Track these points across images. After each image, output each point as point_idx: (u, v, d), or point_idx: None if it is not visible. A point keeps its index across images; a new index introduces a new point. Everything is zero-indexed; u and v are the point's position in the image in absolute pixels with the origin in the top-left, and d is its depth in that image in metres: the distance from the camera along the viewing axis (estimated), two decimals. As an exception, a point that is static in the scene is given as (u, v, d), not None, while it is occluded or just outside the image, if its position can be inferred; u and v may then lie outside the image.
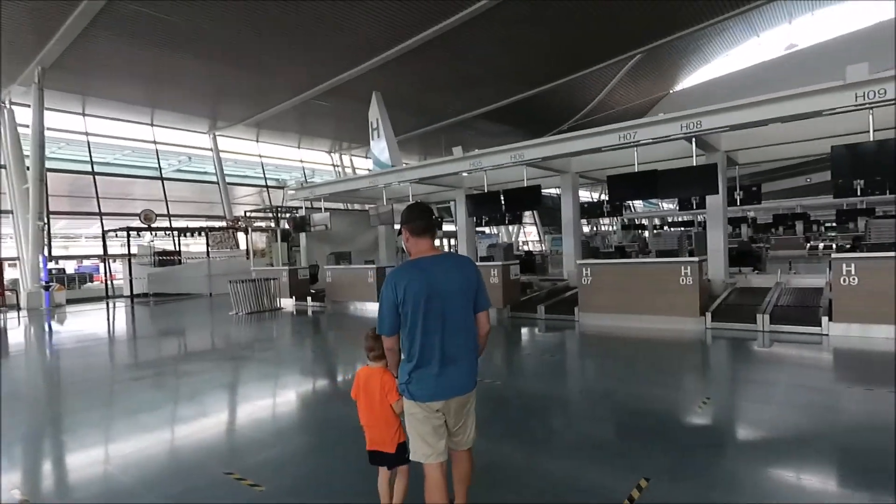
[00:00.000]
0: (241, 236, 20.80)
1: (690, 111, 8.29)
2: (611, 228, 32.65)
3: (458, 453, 2.29)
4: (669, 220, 33.07)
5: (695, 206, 12.87)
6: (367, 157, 27.96)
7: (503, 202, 10.69)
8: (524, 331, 8.29)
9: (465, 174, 12.33)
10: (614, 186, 9.25)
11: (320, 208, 14.89)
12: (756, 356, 6.06)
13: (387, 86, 15.71)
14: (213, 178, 22.01)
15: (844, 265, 6.30)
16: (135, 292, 16.63)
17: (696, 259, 7.56)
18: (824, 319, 6.46)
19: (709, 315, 7.24)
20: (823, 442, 3.41)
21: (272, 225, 20.29)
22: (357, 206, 21.46)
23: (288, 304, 13.21)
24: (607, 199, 12.36)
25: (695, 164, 8.75)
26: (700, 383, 5.14)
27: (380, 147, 15.52)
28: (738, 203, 11.48)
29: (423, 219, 2.23)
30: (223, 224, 20.85)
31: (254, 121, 20.29)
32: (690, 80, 26.60)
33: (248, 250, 19.22)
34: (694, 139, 8.78)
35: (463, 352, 2.17)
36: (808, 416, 3.94)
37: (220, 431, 4.20)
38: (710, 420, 3.99)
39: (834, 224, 30.08)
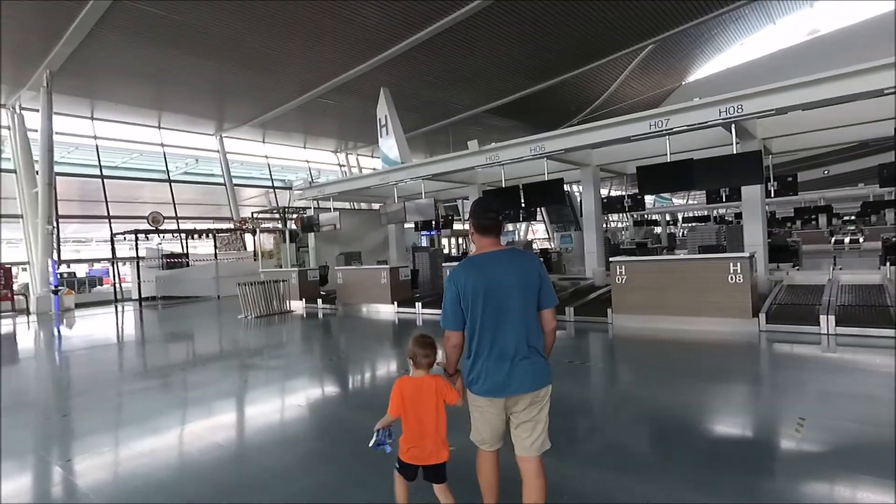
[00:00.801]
0: (248, 238, 20.25)
1: (730, 94, 7.59)
2: (621, 225, 31.86)
3: (526, 464, 2.17)
4: (681, 216, 32.25)
5: (723, 199, 12.09)
6: (373, 157, 27.41)
7: (522, 197, 10.02)
8: (557, 335, 7.57)
9: (478, 169, 11.71)
10: (645, 178, 8.57)
11: (328, 208, 14.28)
12: (833, 364, 5.31)
13: (393, 82, 15.08)
14: (220, 180, 21.50)
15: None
16: (143, 295, 16.13)
17: (746, 255, 6.83)
18: (898, 319, 5.71)
19: (762, 316, 6.49)
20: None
21: (279, 226, 19.71)
22: (364, 206, 20.89)
23: (298, 306, 12.60)
24: (636, 192, 11.62)
25: (735, 152, 8.08)
26: (783, 398, 4.26)
27: (389, 144, 14.91)
28: (773, 195, 10.72)
29: (487, 218, 2.21)
30: (230, 226, 20.31)
31: (259, 121, 19.73)
32: (704, 70, 25.70)
33: (255, 252, 18.66)
34: (734, 125, 8.11)
35: (524, 349, 2.12)
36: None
37: (230, 458, 3.56)
38: (821, 448, 3.25)
39: (853, 217, 29.09)
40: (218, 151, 21.37)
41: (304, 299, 12.75)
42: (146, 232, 16.84)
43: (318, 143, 24.73)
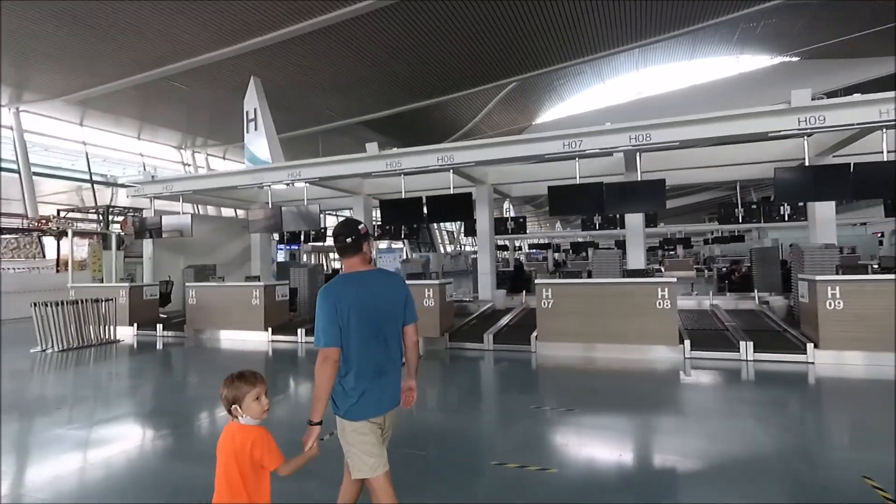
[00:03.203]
0: (50, 242, 15.04)
1: (641, 122, 7.44)
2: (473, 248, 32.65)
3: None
4: (524, 243, 34.43)
5: (597, 227, 12.48)
6: (225, 159, 23.50)
7: (425, 210, 8.71)
8: (481, 368, 6.33)
9: (371, 177, 10.19)
10: (556, 199, 7.95)
11: (176, 211, 11.07)
12: (797, 393, 4.96)
13: (261, 75, 12.56)
14: (11, 166, 15.72)
15: (829, 288, 5.70)
16: None
17: (673, 279, 6.49)
18: (809, 347, 5.77)
19: (688, 342, 6.14)
20: None
21: (99, 228, 15.04)
22: (211, 210, 17.33)
23: (127, 334, 9.21)
24: (517, 215, 11.44)
25: (640, 179, 7.98)
26: (801, 438, 3.63)
27: (258, 142, 12.32)
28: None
29: (338, 241, 2.11)
30: (24, 224, 14.86)
31: (79, 96, 14.87)
32: (549, 114, 27.91)
33: (58, 260, 13.84)
34: (638, 154, 8.06)
35: (394, 364, 2.09)
36: None
37: None
38: None
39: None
40: (11, 128, 15.63)
41: (136, 324, 9.38)
42: None
43: (157, 134, 19.96)
